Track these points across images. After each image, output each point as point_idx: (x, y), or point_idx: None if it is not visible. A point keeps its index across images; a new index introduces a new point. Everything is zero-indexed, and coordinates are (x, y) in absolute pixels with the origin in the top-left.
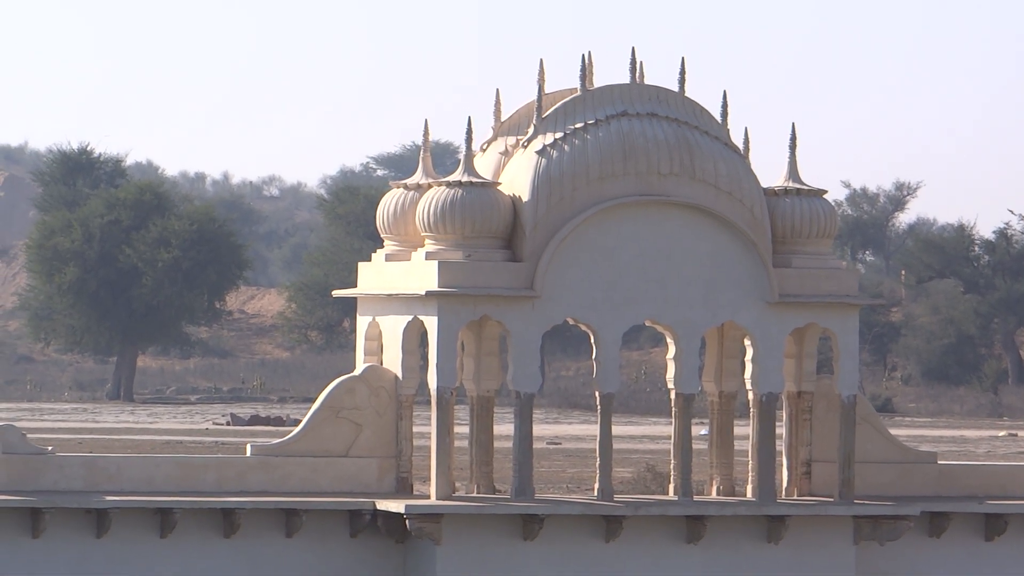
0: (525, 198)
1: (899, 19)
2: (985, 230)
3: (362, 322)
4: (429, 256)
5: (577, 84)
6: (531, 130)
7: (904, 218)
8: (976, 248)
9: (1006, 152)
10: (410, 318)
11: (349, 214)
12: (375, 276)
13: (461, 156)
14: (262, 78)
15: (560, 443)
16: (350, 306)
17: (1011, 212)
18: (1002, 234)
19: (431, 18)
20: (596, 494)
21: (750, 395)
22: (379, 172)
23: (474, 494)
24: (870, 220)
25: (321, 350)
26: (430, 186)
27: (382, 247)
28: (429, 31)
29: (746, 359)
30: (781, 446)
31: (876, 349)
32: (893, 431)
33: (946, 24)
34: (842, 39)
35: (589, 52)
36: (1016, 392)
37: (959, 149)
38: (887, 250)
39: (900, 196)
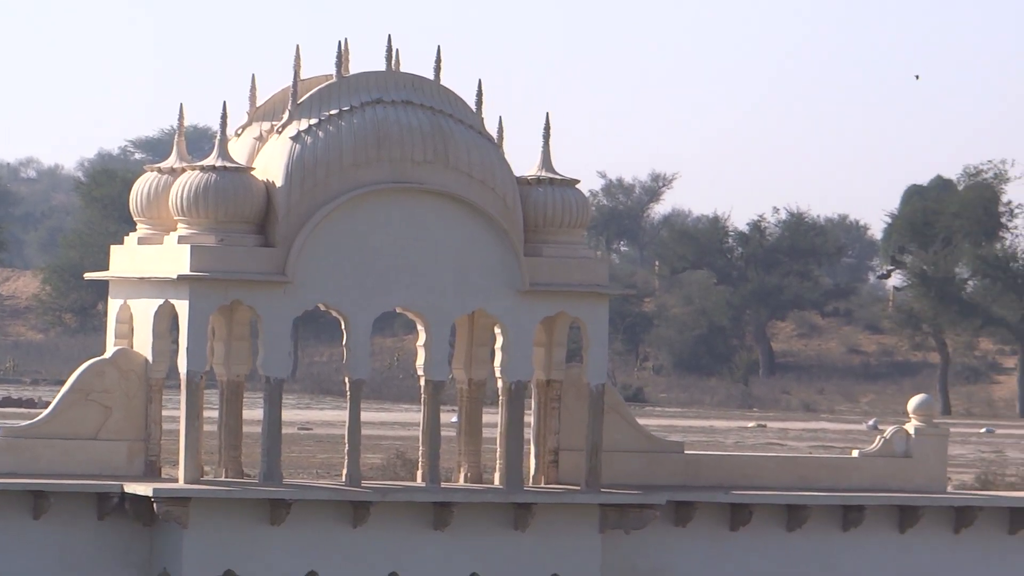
0: (279, 184)
1: (657, 8)
2: (739, 222)
3: (113, 305)
4: (181, 240)
5: (333, 71)
6: (286, 116)
7: (659, 209)
8: (730, 240)
9: (762, 145)
10: (161, 302)
11: (106, 197)
12: (127, 259)
13: (216, 141)
14: (21, 57)
15: (311, 428)
16: (105, 289)
17: (775, 209)
18: (756, 227)
19: (189, 1)
20: (344, 480)
21: (499, 383)
22: (137, 156)
23: (222, 478)
24: (625, 210)
25: (75, 332)
26: (184, 170)
27: (133, 228)
28: (186, 14)
29: (496, 347)
30: (529, 434)
31: (629, 339)
32: (644, 421)
33: (704, 15)
34: (600, 28)
35: (345, 39)
36: (766, 383)
37: (715, 141)
38: (642, 240)
39: (655, 187)
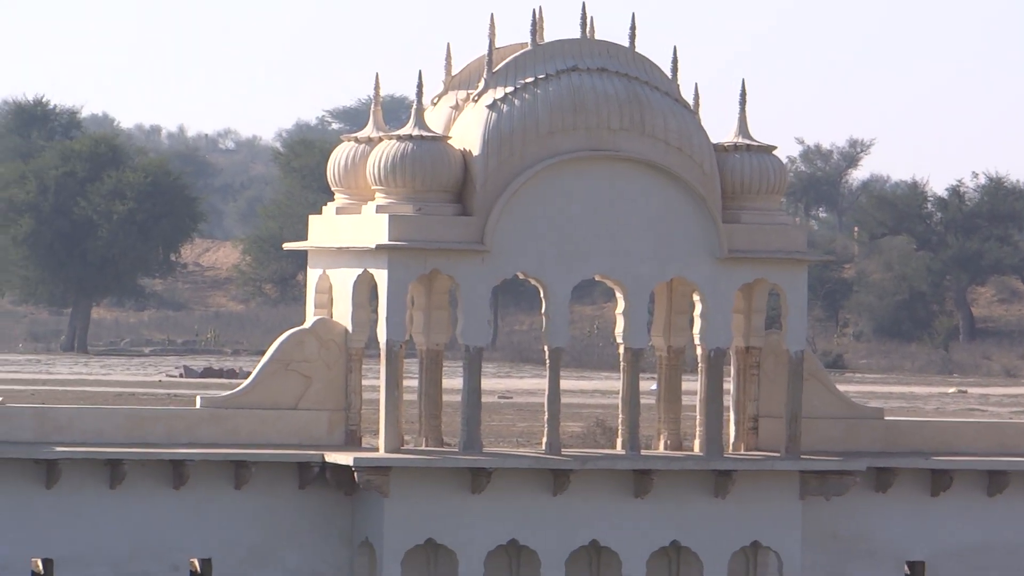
0: (475, 152)
1: None
2: (938, 187)
3: (312, 275)
4: (379, 209)
5: (528, 39)
6: (481, 84)
7: (857, 175)
8: (929, 205)
9: (960, 110)
10: (360, 271)
11: (304, 167)
12: (326, 229)
13: (412, 110)
14: (218, 30)
15: (511, 397)
16: (305, 259)
17: (974, 174)
18: (955, 192)
19: None
20: (544, 448)
21: (698, 350)
22: (335, 126)
23: (423, 447)
24: (824, 177)
25: (276, 303)
26: (381, 140)
27: (331, 198)
28: None
29: (695, 314)
30: (728, 401)
31: (828, 305)
32: (843, 387)
33: None
34: None
35: (539, 7)
36: (967, 349)
37: (913, 106)
38: (840, 207)
39: (854, 153)
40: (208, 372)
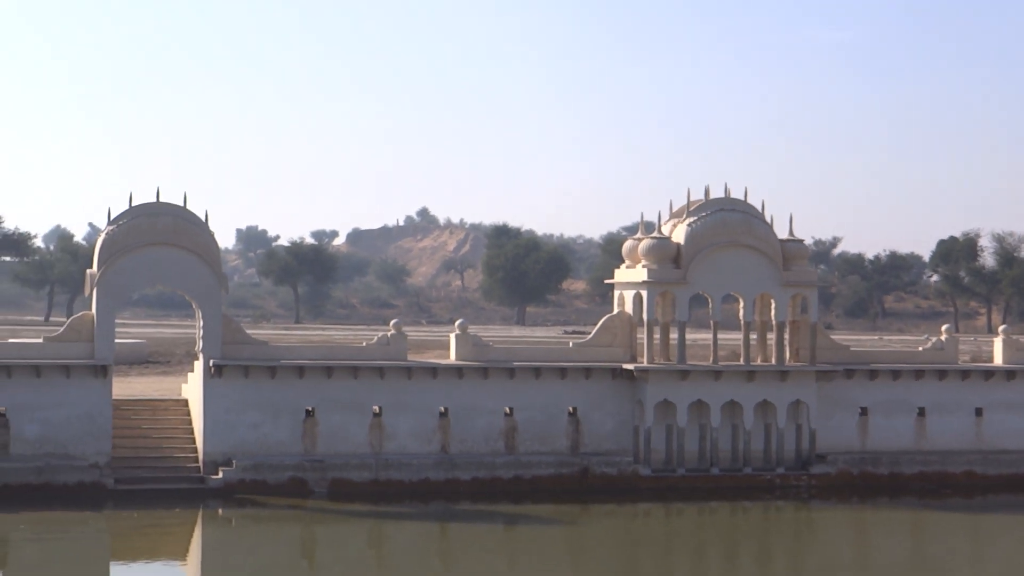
0: (682, 243)
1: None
2: (869, 255)
3: (616, 293)
4: (643, 267)
5: (702, 196)
6: (685, 215)
7: (836, 251)
8: (865, 263)
9: (878, 219)
10: (635, 292)
11: (614, 251)
12: (622, 275)
13: (656, 227)
14: (591, 185)
15: (696, 342)
16: (612, 288)
17: (884, 250)
18: (877, 257)
19: (644, 166)
20: (711, 362)
21: (774, 321)
22: (623, 232)
23: (663, 361)
24: (822, 251)
25: (601, 304)
26: (643, 239)
27: (623, 263)
28: (646, 174)
29: (772, 307)
30: (786, 341)
31: (824, 303)
32: (834, 337)
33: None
34: (819, 161)
35: (708, 185)
36: (883, 322)
37: (859, 219)
38: (830, 264)
39: (835, 242)
40: (575, 331)
